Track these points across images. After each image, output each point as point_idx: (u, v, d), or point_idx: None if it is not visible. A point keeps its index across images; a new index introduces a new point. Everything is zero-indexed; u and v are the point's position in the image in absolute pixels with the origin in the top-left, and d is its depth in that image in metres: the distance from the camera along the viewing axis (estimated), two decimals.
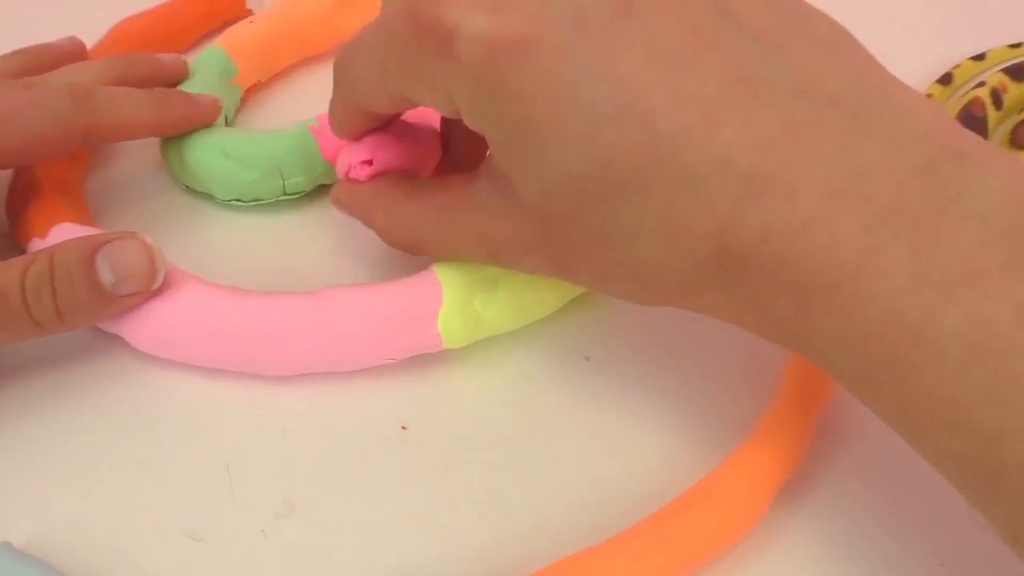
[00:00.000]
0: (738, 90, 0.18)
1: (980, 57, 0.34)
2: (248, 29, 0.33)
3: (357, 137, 0.26)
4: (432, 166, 0.27)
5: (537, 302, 0.25)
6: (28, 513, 0.22)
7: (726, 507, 0.21)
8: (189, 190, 0.30)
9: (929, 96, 0.33)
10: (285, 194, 0.29)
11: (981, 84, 0.32)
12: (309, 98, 0.33)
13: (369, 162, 0.25)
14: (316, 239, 0.29)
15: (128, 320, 0.24)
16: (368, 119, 0.25)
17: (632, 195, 0.19)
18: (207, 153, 0.29)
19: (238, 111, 0.33)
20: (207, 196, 0.30)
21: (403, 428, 0.24)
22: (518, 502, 0.22)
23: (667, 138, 0.18)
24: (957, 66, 0.34)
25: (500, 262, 0.23)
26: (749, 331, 0.20)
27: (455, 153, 0.27)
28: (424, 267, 0.25)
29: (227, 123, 0.32)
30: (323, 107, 0.28)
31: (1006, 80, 0.32)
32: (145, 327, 0.24)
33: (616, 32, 0.18)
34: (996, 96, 0.31)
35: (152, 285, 0.23)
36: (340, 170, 0.26)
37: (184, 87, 0.31)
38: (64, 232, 0.26)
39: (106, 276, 0.23)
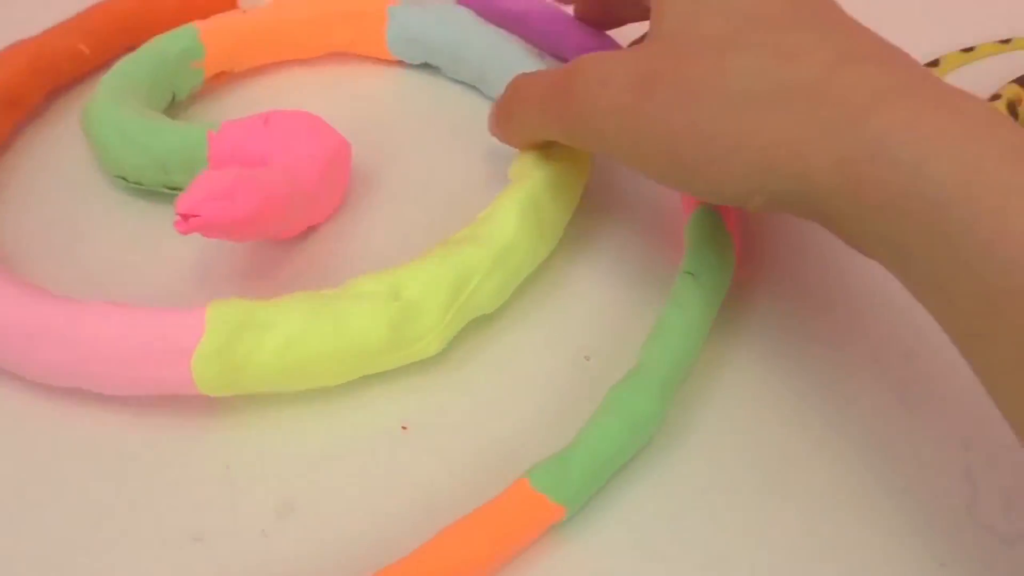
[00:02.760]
0: None
1: (969, 50, 0.34)
2: (232, 17, 0.32)
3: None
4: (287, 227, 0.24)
5: (315, 362, 0.22)
6: None
7: None
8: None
9: None
10: (167, 188, 0.27)
11: (996, 97, 0.31)
12: (275, 99, 0.31)
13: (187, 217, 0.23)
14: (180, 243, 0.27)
15: None
16: None
17: (764, 53, 0.20)
18: (104, 126, 0.27)
19: (196, 94, 0.31)
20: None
21: (403, 428, 0.23)
22: None
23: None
24: (943, 57, 0.34)
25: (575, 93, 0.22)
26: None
27: None
28: None
29: (173, 101, 0.30)
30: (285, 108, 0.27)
31: (1022, 92, 0.31)
32: None
33: None
34: (1012, 109, 0.31)
35: None
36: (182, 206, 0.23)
37: (133, 56, 0.30)
38: None
39: None
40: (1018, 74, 0.32)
